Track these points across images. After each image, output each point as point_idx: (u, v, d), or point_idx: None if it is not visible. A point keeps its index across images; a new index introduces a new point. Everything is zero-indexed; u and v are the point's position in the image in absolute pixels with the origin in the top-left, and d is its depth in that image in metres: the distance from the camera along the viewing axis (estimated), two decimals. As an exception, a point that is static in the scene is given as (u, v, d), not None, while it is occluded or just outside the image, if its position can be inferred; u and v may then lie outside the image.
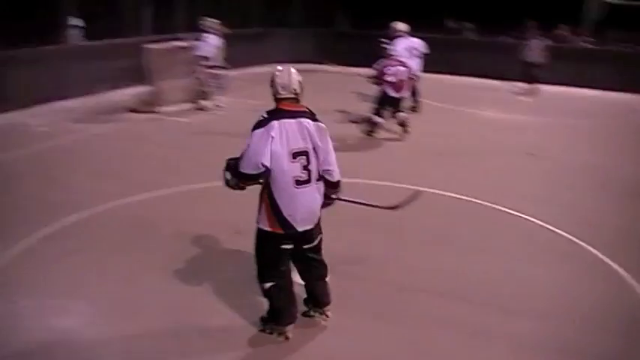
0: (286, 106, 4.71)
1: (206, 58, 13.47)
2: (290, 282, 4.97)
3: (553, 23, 19.61)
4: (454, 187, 8.66)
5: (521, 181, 9.34)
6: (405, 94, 11.58)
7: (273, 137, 4.50)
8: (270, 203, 4.67)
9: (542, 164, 10.30)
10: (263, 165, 4.51)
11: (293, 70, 4.82)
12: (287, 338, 4.96)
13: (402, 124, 11.57)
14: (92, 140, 11.12)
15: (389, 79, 11.09)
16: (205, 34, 13.58)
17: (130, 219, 7.38)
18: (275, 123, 4.56)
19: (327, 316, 5.21)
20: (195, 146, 10.72)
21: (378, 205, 5.97)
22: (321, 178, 4.76)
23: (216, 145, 10.77)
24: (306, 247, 4.90)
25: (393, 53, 11.46)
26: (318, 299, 5.18)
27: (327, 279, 5.13)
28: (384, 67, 11.15)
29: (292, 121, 4.61)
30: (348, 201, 5.58)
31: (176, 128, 12.12)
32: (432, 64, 13.85)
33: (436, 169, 9.82)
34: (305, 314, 5.23)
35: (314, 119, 4.70)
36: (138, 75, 14.07)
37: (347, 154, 9.06)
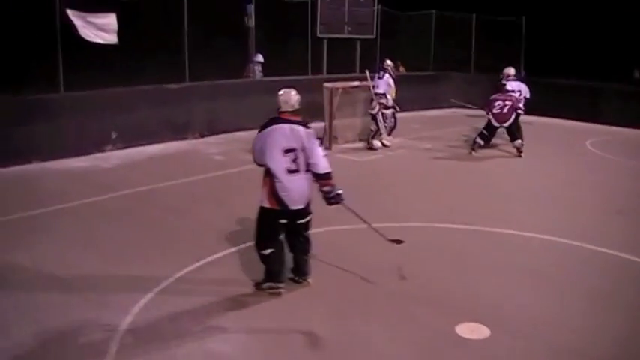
0: (284, 116, 6.17)
1: (383, 96, 13.55)
2: (283, 251, 6.32)
3: None
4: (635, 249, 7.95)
5: None
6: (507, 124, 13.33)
7: (267, 138, 6.05)
8: (270, 186, 6.04)
9: None
10: (261, 160, 6.11)
11: (293, 92, 6.30)
12: (279, 294, 6.21)
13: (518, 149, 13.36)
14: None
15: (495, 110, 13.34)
16: (382, 73, 13.70)
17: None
18: (272, 127, 6.10)
19: (308, 283, 6.46)
20: (363, 186, 10.64)
21: (384, 235, 6.85)
22: (309, 169, 6.09)
23: (382, 185, 10.74)
24: (298, 222, 6.24)
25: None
26: (301, 269, 6.47)
27: (309, 254, 6.48)
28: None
29: (285, 126, 6.08)
30: (358, 216, 6.78)
31: (346, 166, 12.15)
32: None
33: (614, 227, 9.08)
34: (291, 279, 6.47)
35: (305, 127, 6.14)
36: (313, 111, 14.37)
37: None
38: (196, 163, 12.12)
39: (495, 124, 13.38)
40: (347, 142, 13.86)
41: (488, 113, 13.47)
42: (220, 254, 7.28)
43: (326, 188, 6.23)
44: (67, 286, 6.36)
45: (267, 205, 6.09)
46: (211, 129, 14.44)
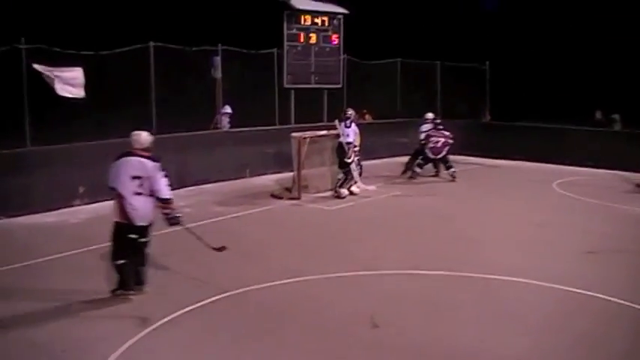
0: (135, 152, 7.45)
1: (352, 145, 13.64)
2: (133, 263, 7.43)
3: None
4: (607, 289, 7.99)
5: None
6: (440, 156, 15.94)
7: (120, 167, 7.38)
8: (120, 204, 7.31)
9: None
10: (113, 183, 7.40)
11: (144, 134, 7.65)
12: (130, 300, 7.31)
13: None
14: (233, 223, 11.35)
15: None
16: (349, 122, 13.79)
17: (266, 304, 7.34)
18: (123, 159, 7.43)
19: (143, 292, 7.51)
20: (334, 234, 10.64)
21: (209, 244, 7.97)
22: (152, 194, 7.34)
23: (354, 233, 10.73)
24: (141, 240, 7.44)
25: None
26: (139, 279, 7.52)
27: (145, 266, 7.60)
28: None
29: (133, 158, 7.41)
30: (189, 230, 8.04)
31: (316, 215, 12.15)
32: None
33: (586, 267, 9.14)
34: (119, 292, 7.46)
35: (153, 160, 7.41)
36: (282, 161, 14.42)
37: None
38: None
39: (431, 156, 16.03)
40: (318, 191, 13.84)
41: (425, 148, 16.08)
42: (191, 307, 7.16)
43: (166, 211, 7.54)
44: (29, 343, 6.26)
45: (118, 219, 7.38)
46: (181, 181, 14.31)
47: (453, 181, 15.83)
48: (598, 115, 20.43)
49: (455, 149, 16.37)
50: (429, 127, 16.55)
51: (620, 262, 9.31)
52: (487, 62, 22.15)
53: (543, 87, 24.92)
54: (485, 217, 12.24)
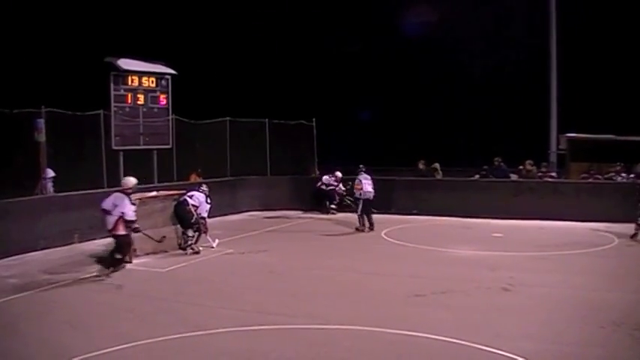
0: (124, 191, 11.78)
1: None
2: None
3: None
4: (429, 328, 8.47)
5: (501, 318, 9.15)
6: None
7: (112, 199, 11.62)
8: (121, 221, 11.56)
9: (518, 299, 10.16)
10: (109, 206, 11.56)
11: (131, 179, 12.14)
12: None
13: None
14: (61, 291, 10.91)
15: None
16: (198, 187, 14.05)
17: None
18: (115, 194, 11.68)
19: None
20: (167, 297, 10.49)
21: (154, 238, 12.68)
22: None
23: (189, 295, 10.61)
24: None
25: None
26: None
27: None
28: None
29: (119, 194, 11.68)
30: (142, 232, 12.32)
31: (148, 278, 11.93)
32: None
33: (414, 309, 9.64)
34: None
35: (128, 195, 11.83)
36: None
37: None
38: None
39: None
40: (147, 253, 13.56)
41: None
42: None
43: (133, 226, 11.83)
44: None
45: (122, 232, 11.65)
46: (3, 251, 13.54)
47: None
48: (421, 165, 21.72)
49: (284, 204, 16.72)
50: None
51: (444, 302, 9.95)
52: (314, 119, 22.91)
53: (367, 139, 26.21)
54: (316, 271, 12.57)
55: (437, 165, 21.58)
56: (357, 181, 16.98)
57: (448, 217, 18.53)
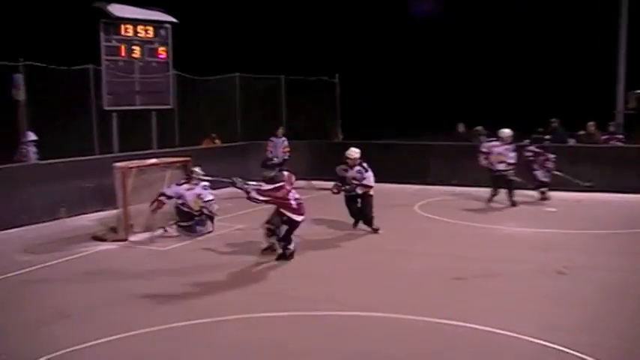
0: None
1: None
2: None
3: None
4: (472, 316, 8.46)
5: (554, 306, 9.11)
6: None
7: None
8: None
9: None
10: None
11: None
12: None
13: None
14: (46, 275, 11.00)
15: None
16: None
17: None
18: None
19: None
20: (169, 279, 10.55)
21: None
22: None
23: (193, 277, 10.64)
24: None
25: None
26: None
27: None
28: None
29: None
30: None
31: (147, 258, 12.00)
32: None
33: (451, 296, 9.63)
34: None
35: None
36: (105, 197, 14.12)
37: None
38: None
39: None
40: (146, 230, 13.62)
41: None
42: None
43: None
44: None
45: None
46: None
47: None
48: (460, 127, 21.52)
49: (304, 173, 16.60)
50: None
51: (487, 287, 9.93)
52: (337, 74, 22.77)
53: (400, 99, 25.97)
54: (340, 250, 12.59)
55: (480, 128, 21.28)
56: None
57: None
